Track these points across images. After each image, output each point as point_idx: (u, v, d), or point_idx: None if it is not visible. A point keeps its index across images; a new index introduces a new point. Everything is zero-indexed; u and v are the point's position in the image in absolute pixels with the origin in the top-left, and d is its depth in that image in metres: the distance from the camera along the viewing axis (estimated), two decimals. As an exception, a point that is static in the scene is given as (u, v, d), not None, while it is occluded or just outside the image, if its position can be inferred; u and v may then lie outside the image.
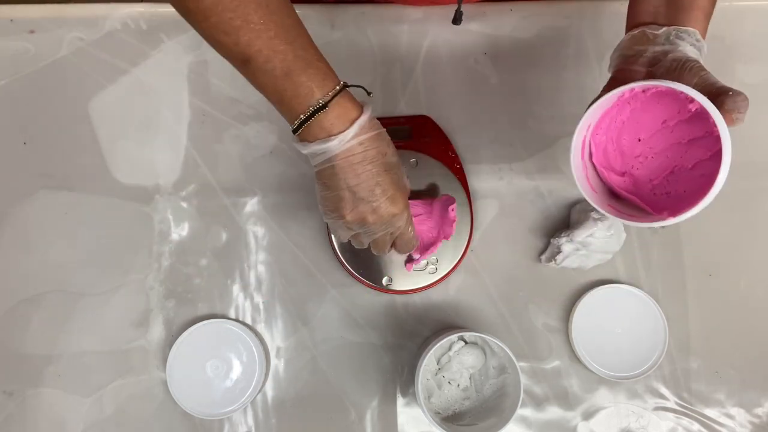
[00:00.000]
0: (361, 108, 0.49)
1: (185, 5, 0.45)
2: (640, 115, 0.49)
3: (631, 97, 0.48)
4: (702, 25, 0.50)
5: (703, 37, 0.50)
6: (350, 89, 0.50)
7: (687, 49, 0.48)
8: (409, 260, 0.66)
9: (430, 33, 0.72)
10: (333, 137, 0.47)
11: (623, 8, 0.57)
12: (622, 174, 0.50)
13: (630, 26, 0.53)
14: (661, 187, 0.50)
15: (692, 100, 0.44)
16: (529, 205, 0.70)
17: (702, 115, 0.45)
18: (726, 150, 0.43)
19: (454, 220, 0.64)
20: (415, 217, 0.64)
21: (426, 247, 0.65)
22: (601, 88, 0.53)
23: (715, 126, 0.43)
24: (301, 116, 0.47)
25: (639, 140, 0.50)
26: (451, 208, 0.64)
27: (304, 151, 0.49)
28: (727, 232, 0.70)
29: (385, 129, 0.51)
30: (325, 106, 0.46)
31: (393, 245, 0.57)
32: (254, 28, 0.45)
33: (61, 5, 0.72)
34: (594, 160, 0.50)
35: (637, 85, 0.46)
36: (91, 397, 0.67)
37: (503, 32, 0.72)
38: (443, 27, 0.72)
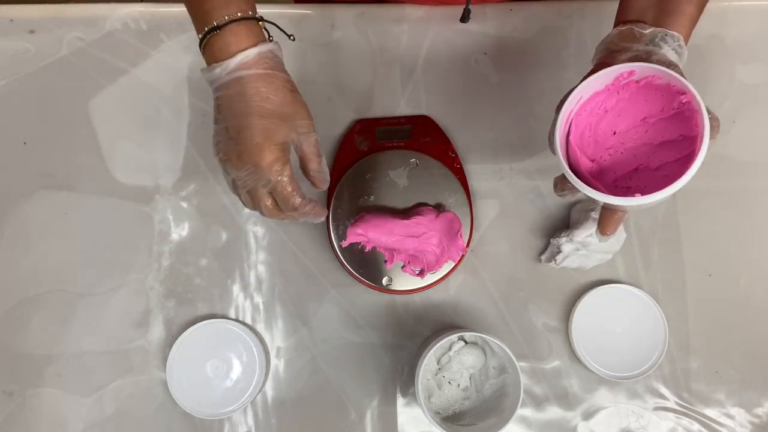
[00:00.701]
0: (256, 42, 0.46)
1: None
2: (624, 106, 0.50)
3: (623, 86, 0.49)
4: (686, 31, 0.51)
5: (686, 43, 0.50)
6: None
7: (669, 53, 0.49)
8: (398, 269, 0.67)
9: (430, 33, 0.72)
10: (216, 66, 0.46)
11: (623, 8, 0.57)
12: (592, 160, 0.51)
13: (618, 21, 0.54)
14: (623, 181, 0.51)
15: (683, 93, 0.45)
16: (529, 205, 0.70)
17: (684, 114, 0.47)
18: (705, 139, 0.44)
19: (463, 250, 0.65)
20: (419, 236, 0.64)
21: (430, 266, 0.65)
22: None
23: (697, 125, 0.45)
24: (199, 36, 0.46)
25: (614, 133, 0.51)
26: (459, 234, 0.64)
27: (204, 78, 0.47)
28: (727, 232, 0.70)
29: (283, 73, 0.48)
30: (215, 29, 0.45)
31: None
32: None
33: (61, 5, 0.72)
34: (571, 138, 0.50)
35: (637, 66, 0.46)
36: (91, 397, 0.67)
37: (503, 32, 0.72)
38: (443, 27, 0.72)
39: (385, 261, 0.66)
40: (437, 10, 0.72)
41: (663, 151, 0.49)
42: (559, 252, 0.66)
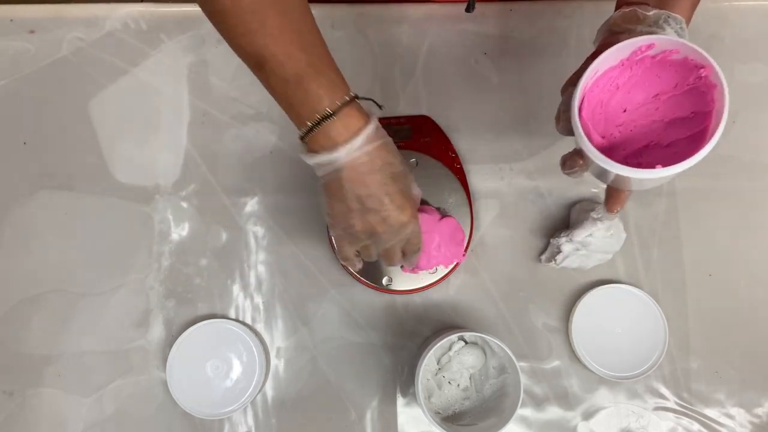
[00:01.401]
0: (368, 118, 0.49)
1: (207, 6, 0.47)
2: (636, 83, 0.50)
3: (637, 62, 0.49)
4: (688, 14, 0.51)
5: (687, 26, 0.50)
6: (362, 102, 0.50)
7: (672, 36, 0.49)
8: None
9: (430, 33, 0.72)
10: (340, 147, 0.47)
11: (623, 8, 0.57)
12: (602, 137, 0.51)
13: (620, 4, 0.54)
14: (632, 158, 0.51)
15: (702, 66, 0.46)
16: (529, 205, 0.70)
17: (698, 90, 0.47)
18: (725, 111, 0.44)
19: (460, 259, 0.65)
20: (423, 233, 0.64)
21: (423, 266, 0.64)
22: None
23: (712, 100, 0.46)
24: (308, 123, 0.47)
25: (624, 111, 0.51)
26: (461, 242, 0.64)
27: (311, 162, 0.49)
28: (727, 232, 0.70)
29: (391, 139, 0.51)
30: (332, 114, 0.46)
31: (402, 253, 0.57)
32: (271, 33, 0.45)
33: (61, 5, 0.72)
34: (583, 113, 0.50)
35: (656, 39, 0.46)
36: (91, 397, 0.67)
37: (503, 32, 0.72)
38: (443, 27, 0.72)
39: None
40: (437, 9, 0.72)
41: (674, 128, 0.49)
42: (559, 252, 0.66)
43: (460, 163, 0.69)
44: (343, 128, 0.47)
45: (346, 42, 0.72)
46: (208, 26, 0.71)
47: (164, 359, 0.67)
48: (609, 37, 0.52)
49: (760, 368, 0.69)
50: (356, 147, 0.47)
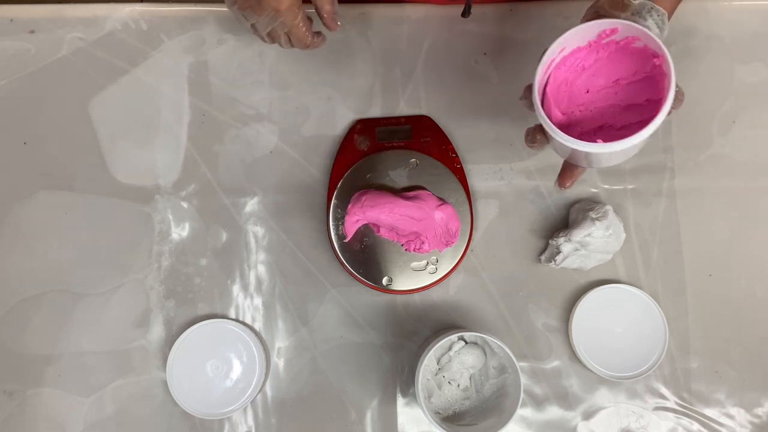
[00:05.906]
0: None
1: None
2: (601, 66, 0.52)
3: (603, 45, 0.51)
4: (671, 7, 0.52)
5: (668, 19, 0.52)
6: None
7: (652, 27, 0.50)
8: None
9: (430, 33, 0.72)
10: None
11: (623, 8, 0.57)
12: (563, 114, 0.53)
13: None
14: (587, 136, 0.53)
15: (657, 56, 0.48)
16: (529, 205, 0.70)
17: (654, 78, 0.50)
18: (669, 98, 0.46)
19: (450, 245, 0.66)
20: (419, 220, 0.64)
21: (419, 249, 0.66)
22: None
23: (664, 88, 0.48)
24: None
25: (587, 92, 0.53)
26: (455, 232, 0.65)
27: None
28: (727, 232, 0.70)
29: None
30: None
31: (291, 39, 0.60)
32: None
33: (61, 5, 0.72)
34: (548, 89, 0.52)
35: (620, 24, 0.48)
36: (91, 397, 0.67)
37: (503, 32, 0.72)
38: (443, 27, 0.72)
39: (403, 246, 0.66)
40: (437, 10, 0.72)
41: (628, 113, 0.52)
42: (559, 252, 0.66)
43: (460, 163, 0.69)
44: None
45: (346, 42, 0.72)
46: (208, 26, 0.72)
47: (164, 359, 0.67)
48: (593, 19, 0.52)
49: (760, 368, 0.69)
50: None
